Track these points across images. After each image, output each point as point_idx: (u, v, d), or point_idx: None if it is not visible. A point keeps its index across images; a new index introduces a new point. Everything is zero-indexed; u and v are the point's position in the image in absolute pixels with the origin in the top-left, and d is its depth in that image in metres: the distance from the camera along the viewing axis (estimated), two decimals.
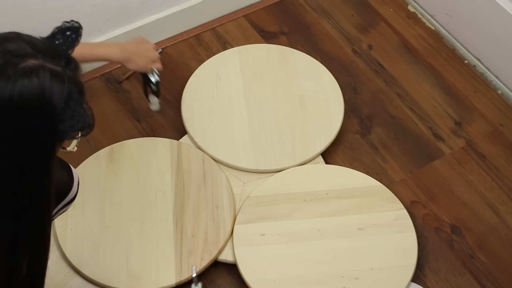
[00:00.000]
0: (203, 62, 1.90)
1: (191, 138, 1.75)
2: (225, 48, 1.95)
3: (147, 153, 1.71)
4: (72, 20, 1.03)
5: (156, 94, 1.67)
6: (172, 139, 1.75)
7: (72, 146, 1.08)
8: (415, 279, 1.57)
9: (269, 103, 1.81)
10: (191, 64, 1.93)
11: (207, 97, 1.82)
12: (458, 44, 1.99)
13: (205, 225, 1.60)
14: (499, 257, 1.63)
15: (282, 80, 1.86)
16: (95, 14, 1.81)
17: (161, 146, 1.73)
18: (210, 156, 1.72)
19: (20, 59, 0.93)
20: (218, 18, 2.03)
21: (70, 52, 1.00)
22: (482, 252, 1.63)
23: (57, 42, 1.01)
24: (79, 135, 1.03)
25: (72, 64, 0.99)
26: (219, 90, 1.84)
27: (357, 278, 1.54)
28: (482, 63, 1.94)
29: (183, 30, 2.00)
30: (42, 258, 1.05)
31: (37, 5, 1.71)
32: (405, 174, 1.75)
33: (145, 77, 1.64)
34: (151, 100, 1.69)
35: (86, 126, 0.97)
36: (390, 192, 1.67)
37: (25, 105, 0.91)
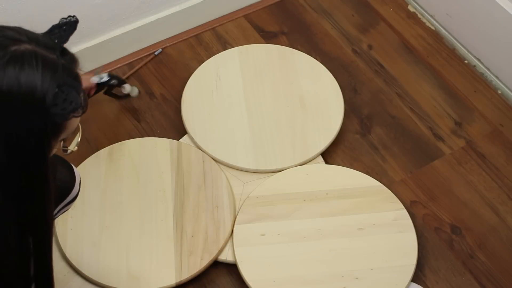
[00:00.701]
0: (203, 62, 1.90)
1: (191, 138, 1.75)
2: (225, 48, 1.95)
3: (147, 153, 1.71)
4: (70, 16, 1.04)
5: (121, 84, 1.70)
6: (172, 139, 1.75)
7: (73, 146, 1.08)
8: (415, 279, 1.57)
9: (269, 103, 1.81)
10: (191, 64, 1.93)
11: (207, 97, 1.82)
12: (458, 44, 1.99)
13: (205, 225, 1.60)
14: (499, 257, 1.63)
15: (282, 80, 1.86)
16: (95, 14, 1.81)
17: (161, 146, 1.73)
18: (210, 156, 1.72)
19: (12, 42, 0.94)
20: (218, 18, 2.03)
21: (63, 42, 1.00)
22: (482, 252, 1.63)
23: (53, 36, 1.02)
24: (78, 137, 1.03)
25: (68, 56, 0.99)
26: (219, 90, 1.84)
27: (357, 278, 1.54)
28: (482, 63, 1.94)
29: (183, 30, 2.00)
30: (46, 243, 1.06)
31: (37, 5, 1.71)
32: (405, 174, 1.75)
33: (99, 86, 1.64)
34: (125, 90, 1.73)
35: (78, 107, 0.96)
36: (390, 192, 1.67)
37: (15, 92, 0.92)
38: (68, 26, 1.03)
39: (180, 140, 1.76)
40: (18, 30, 0.97)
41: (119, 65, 1.91)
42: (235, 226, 1.61)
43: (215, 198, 1.65)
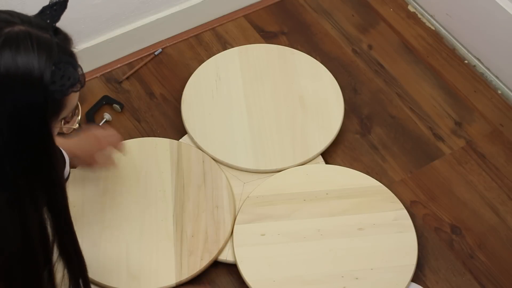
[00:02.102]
0: (203, 62, 1.89)
1: (191, 138, 1.75)
2: (225, 48, 1.95)
3: (147, 153, 1.71)
4: None
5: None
6: (172, 139, 1.75)
7: (74, 123, 1.09)
8: (415, 279, 1.57)
9: (269, 103, 1.81)
10: (191, 64, 1.93)
11: (207, 97, 1.82)
12: (458, 44, 1.99)
13: (205, 225, 1.60)
14: (499, 257, 1.63)
15: (282, 80, 1.86)
16: (95, 14, 1.81)
17: (161, 146, 1.73)
18: (210, 156, 1.72)
19: (6, 25, 0.95)
20: (218, 18, 2.03)
21: (55, 21, 1.02)
22: (482, 252, 1.63)
23: (45, 17, 1.03)
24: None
25: (61, 35, 1.01)
26: (219, 90, 1.84)
27: (357, 278, 1.54)
28: (482, 63, 1.94)
29: (183, 30, 2.00)
30: (64, 211, 1.09)
31: (37, 5, 1.70)
32: (405, 174, 1.75)
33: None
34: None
35: (76, 82, 0.98)
36: (390, 192, 1.67)
37: (12, 73, 0.93)
38: (58, 6, 1.04)
39: (180, 140, 1.76)
40: (10, 13, 0.98)
41: (119, 65, 1.91)
42: (235, 226, 1.61)
43: (215, 198, 1.65)
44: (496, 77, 1.92)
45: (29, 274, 1.08)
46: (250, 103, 1.81)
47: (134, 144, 1.73)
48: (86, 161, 1.56)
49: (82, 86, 1.00)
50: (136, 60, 1.94)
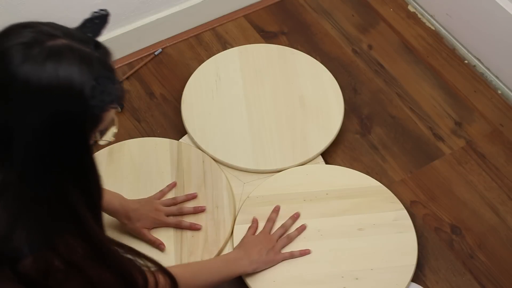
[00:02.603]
0: (203, 62, 1.90)
1: (191, 138, 1.75)
2: (225, 48, 1.95)
3: (147, 153, 1.71)
4: (101, 9, 1.07)
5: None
6: (172, 139, 1.75)
7: (110, 136, 1.09)
8: (415, 279, 1.57)
9: (269, 103, 1.81)
10: (191, 64, 1.93)
11: (207, 97, 1.82)
12: (458, 44, 1.99)
13: (205, 225, 1.60)
14: (499, 257, 1.63)
15: (282, 80, 1.86)
16: None
17: (161, 146, 1.73)
18: (210, 156, 1.72)
19: (49, 38, 0.95)
20: (218, 18, 2.03)
21: (97, 36, 1.03)
22: (482, 252, 1.63)
23: (86, 30, 1.04)
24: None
25: (102, 49, 1.01)
26: (219, 90, 1.84)
27: (357, 278, 1.54)
28: (482, 63, 1.94)
29: (183, 30, 2.00)
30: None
31: (37, 5, 1.71)
32: (405, 174, 1.75)
33: None
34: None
35: (116, 98, 0.99)
36: (390, 192, 1.67)
37: (55, 86, 0.93)
38: (100, 20, 1.05)
39: (180, 140, 1.76)
40: (52, 26, 0.99)
41: (119, 65, 1.91)
42: (235, 226, 1.61)
43: (215, 198, 1.65)
44: (496, 77, 1.92)
45: None
46: (250, 103, 1.81)
47: (134, 144, 1.73)
48: (133, 227, 1.55)
49: (121, 103, 1.01)
50: (136, 60, 1.94)
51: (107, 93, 0.97)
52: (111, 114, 1.03)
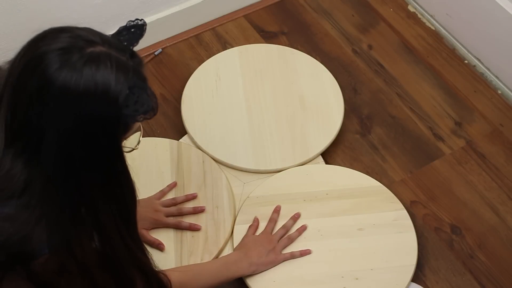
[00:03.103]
0: (203, 62, 1.89)
1: (191, 138, 1.75)
2: (225, 48, 1.95)
3: (147, 153, 1.71)
4: (137, 19, 1.07)
5: None
6: (172, 139, 1.75)
7: (135, 144, 1.11)
8: (415, 279, 1.57)
9: (269, 103, 1.81)
10: (191, 64, 1.93)
11: (207, 97, 1.82)
12: (458, 44, 1.99)
13: (205, 225, 1.60)
14: (499, 257, 1.63)
15: (282, 80, 1.86)
16: (95, 14, 1.81)
17: (161, 146, 1.73)
18: (210, 156, 1.72)
19: (87, 44, 0.97)
20: (218, 18, 2.03)
21: (134, 45, 1.04)
22: (482, 252, 1.63)
23: (122, 38, 1.05)
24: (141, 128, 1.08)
25: (137, 58, 1.03)
26: (219, 90, 1.84)
27: (357, 278, 1.54)
28: (482, 63, 1.94)
29: (183, 30, 2.00)
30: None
31: (37, 5, 1.71)
32: (405, 174, 1.75)
33: None
34: None
35: (149, 109, 1.01)
36: (390, 192, 1.67)
37: (91, 92, 0.95)
38: (136, 29, 1.05)
39: (180, 140, 1.76)
40: (89, 31, 1.00)
41: None
42: (235, 226, 1.61)
43: (215, 198, 1.65)
44: (496, 77, 1.92)
45: None
46: (250, 103, 1.81)
47: None
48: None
49: (154, 114, 1.04)
50: None
51: (141, 103, 0.99)
52: (139, 123, 1.04)
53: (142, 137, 1.79)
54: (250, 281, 1.53)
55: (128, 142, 1.10)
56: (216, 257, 1.57)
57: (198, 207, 1.62)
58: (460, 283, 1.59)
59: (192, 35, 2.00)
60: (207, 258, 1.56)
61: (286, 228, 1.59)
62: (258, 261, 1.51)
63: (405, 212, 1.64)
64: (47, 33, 0.99)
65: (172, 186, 1.65)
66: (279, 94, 1.83)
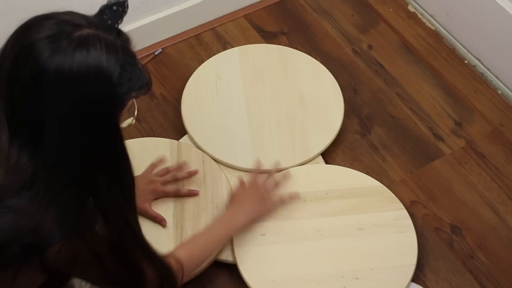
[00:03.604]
0: (203, 62, 1.90)
1: (191, 138, 1.75)
2: (225, 48, 1.95)
3: (147, 153, 1.71)
4: None
5: None
6: (172, 139, 1.75)
7: (131, 119, 1.12)
8: (415, 279, 1.57)
9: (269, 103, 1.81)
10: (191, 64, 1.93)
11: (207, 97, 1.82)
12: (458, 44, 1.99)
13: (205, 225, 1.60)
14: (499, 257, 1.63)
15: (282, 80, 1.86)
16: None
17: (161, 146, 1.73)
18: (210, 156, 1.72)
19: (74, 28, 0.98)
20: (218, 18, 2.03)
21: (118, 23, 1.05)
22: (482, 252, 1.63)
23: (105, 17, 1.05)
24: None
25: (123, 36, 1.04)
26: (219, 90, 1.84)
27: (357, 278, 1.54)
28: (482, 63, 1.94)
29: (183, 30, 2.00)
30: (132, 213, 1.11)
31: (37, 5, 1.70)
32: (405, 174, 1.75)
33: None
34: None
35: (143, 85, 1.02)
36: (390, 192, 1.67)
37: (85, 74, 0.96)
38: (118, 6, 1.06)
39: (180, 140, 1.76)
40: (74, 15, 1.01)
41: None
42: None
43: (215, 198, 1.65)
44: (496, 77, 1.92)
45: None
46: (250, 103, 1.81)
47: (134, 144, 1.73)
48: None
49: (149, 89, 1.04)
50: None
51: (134, 80, 0.99)
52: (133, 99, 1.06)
53: (142, 136, 1.81)
54: (250, 281, 1.53)
55: (123, 119, 1.11)
56: (216, 257, 1.57)
57: (192, 170, 1.65)
58: (460, 283, 1.59)
59: (192, 35, 2.00)
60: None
61: (269, 173, 1.63)
62: (252, 210, 1.54)
63: (405, 212, 1.64)
64: (32, 21, 1.00)
65: (160, 160, 1.67)
66: (279, 94, 1.83)
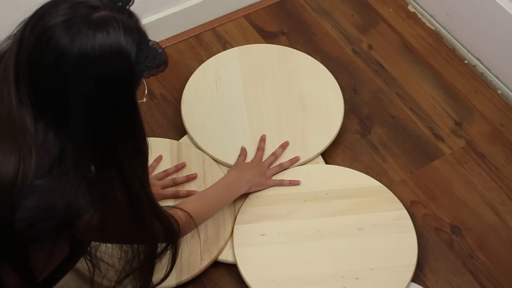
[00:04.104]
0: (203, 62, 1.90)
1: (191, 138, 1.75)
2: (225, 48, 1.95)
3: None
4: None
5: None
6: (172, 139, 1.75)
7: (142, 97, 1.15)
8: (415, 279, 1.57)
9: (269, 103, 1.81)
10: (191, 64, 1.93)
11: (207, 97, 1.82)
12: (458, 44, 1.99)
13: (205, 225, 1.60)
14: (499, 257, 1.63)
15: (282, 80, 1.86)
16: None
17: (161, 146, 1.73)
18: (210, 156, 1.72)
19: (91, 10, 1.01)
20: (218, 18, 2.03)
21: (128, 4, 1.08)
22: (482, 252, 1.63)
23: None
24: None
25: (135, 17, 1.08)
26: (219, 90, 1.84)
27: (357, 278, 1.54)
28: (482, 63, 1.94)
29: (183, 30, 2.00)
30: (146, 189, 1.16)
31: (37, 5, 1.70)
32: (405, 174, 1.75)
33: None
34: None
35: (161, 63, 1.07)
36: (390, 192, 1.67)
37: (107, 55, 1.00)
38: None
39: (180, 140, 1.76)
40: None
41: None
42: (235, 226, 1.61)
43: None
44: (496, 77, 1.92)
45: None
46: (250, 103, 1.81)
47: None
48: None
49: (166, 66, 1.09)
50: None
51: (151, 57, 1.05)
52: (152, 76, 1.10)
53: None
54: (250, 281, 1.53)
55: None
56: (216, 257, 1.58)
57: (191, 174, 1.66)
58: (460, 283, 1.59)
59: (192, 35, 2.00)
60: (207, 258, 1.56)
61: (275, 155, 1.68)
62: (252, 179, 1.61)
63: (405, 212, 1.64)
64: (49, 6, 1.03)
65: (159, 160, 1.69)
66: (279, 94, 1.83)
